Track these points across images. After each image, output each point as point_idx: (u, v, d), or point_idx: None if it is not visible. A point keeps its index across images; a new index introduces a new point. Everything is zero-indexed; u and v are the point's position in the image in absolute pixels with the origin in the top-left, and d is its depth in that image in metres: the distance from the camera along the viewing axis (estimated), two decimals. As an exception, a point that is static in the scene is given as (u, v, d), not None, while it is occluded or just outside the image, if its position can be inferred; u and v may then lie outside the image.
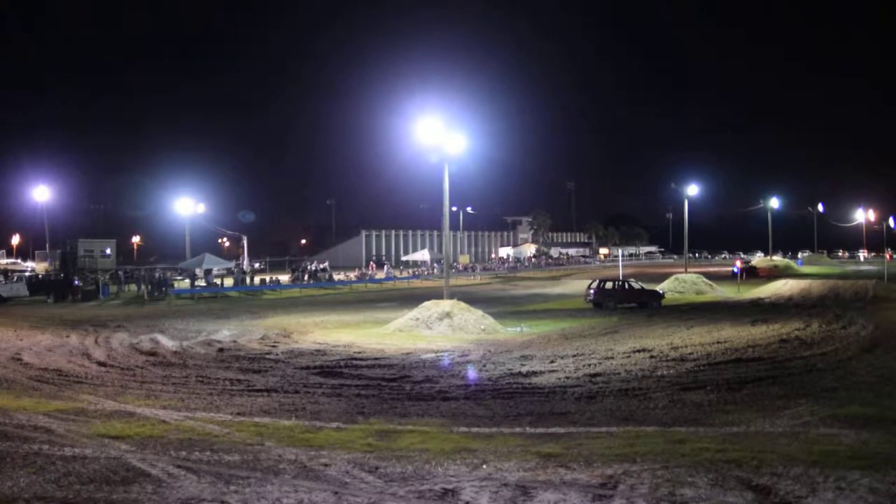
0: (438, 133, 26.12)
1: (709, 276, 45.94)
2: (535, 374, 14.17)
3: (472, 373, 14.82)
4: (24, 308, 32.76)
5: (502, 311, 28.98)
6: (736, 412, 9.95)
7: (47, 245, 56.77)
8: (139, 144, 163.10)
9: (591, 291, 32.61)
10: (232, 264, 50.06)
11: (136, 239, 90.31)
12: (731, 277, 48.41)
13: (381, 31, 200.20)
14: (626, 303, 31.51)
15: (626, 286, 33.00)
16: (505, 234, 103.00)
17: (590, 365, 15.00)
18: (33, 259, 60.30)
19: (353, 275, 55.50)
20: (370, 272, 59.33)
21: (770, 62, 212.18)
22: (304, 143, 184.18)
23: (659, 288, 35.04)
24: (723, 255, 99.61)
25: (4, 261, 59.79)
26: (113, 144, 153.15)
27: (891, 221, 73.94)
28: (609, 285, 33.14)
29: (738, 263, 53.73)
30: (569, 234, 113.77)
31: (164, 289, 39.39)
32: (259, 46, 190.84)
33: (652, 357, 15.91)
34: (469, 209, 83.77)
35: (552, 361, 15.69)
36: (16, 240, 77.53)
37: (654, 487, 6.20)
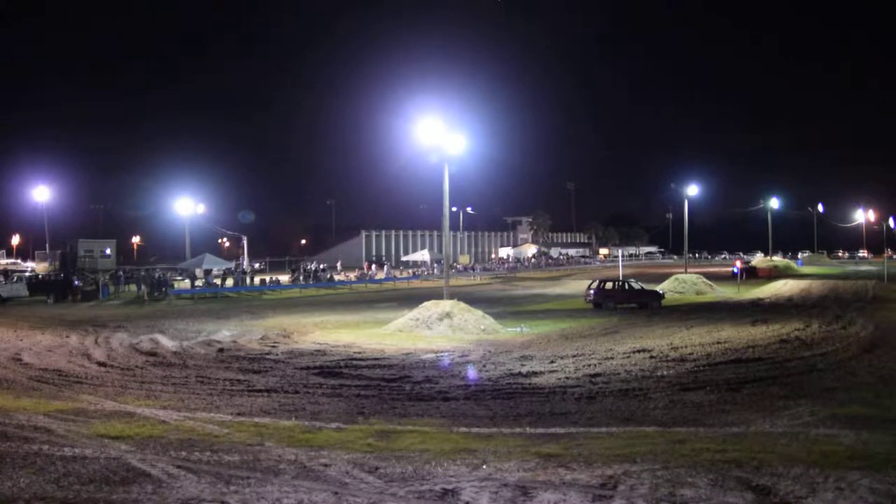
0: (438, 133, 26.11)
1: (709, 276, 45.96)
2: (535, 374, 14.17)
3: (472, 373, 14.82)
4: (24, 308, 32.76)
5: (502, 312, 28.98)
6: (736, 412, 9.95)
7: (47, 245, 56.84)
8: (139, 144, 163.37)
9: (591, 292, 32.64)
10: (232, 264, 49.99)
11: (136, 239, 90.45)
12: (731, 278, 48.38)
13: (381, 31, 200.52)
14: (626, 303, 31.51)
15: (626, 286, 32.99)
16: (505, 234, 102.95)
17: (590, 365, 15.00)
18: (33, 259, 60.29)
19: (352, 275, 55.49)
20: (368, 272, 59.28)
21: (771, 62, 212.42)
22: (304, 143, 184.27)
23: (659, 288, 35.02)
24: (723, 256, 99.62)
25: (4, 261, 59.76)
26: (113, 144, 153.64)
27: (891, 221, 73.97)
28: (609, 286, 33.16)
29: (738, 264, 53.70)
30: (569, 234, 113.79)
31: (163, 289, 39.35)
32: (260, 45, 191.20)
33: (652, 357, 15.91)
34: (469, 209, 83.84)
35: (552, 362, 15.69)
36: (16, 240, 77.62)
37: (654, 487, 6.20)
